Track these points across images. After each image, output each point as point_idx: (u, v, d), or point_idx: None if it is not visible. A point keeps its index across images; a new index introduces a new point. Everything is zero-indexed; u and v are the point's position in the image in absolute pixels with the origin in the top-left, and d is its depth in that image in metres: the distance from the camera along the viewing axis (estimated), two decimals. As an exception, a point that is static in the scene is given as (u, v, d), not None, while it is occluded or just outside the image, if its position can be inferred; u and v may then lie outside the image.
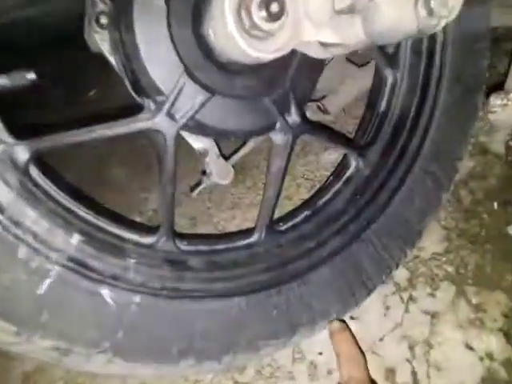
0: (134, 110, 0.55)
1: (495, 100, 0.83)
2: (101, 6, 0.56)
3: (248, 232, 0.69)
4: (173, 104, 0.52)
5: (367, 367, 0.62)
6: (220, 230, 1.02)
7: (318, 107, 0.90)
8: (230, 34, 0.41)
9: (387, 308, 0.74)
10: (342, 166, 0.74)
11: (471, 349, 0.64)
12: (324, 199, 0.73)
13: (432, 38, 0.69)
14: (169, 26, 0.50)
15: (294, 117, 0.60)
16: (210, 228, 1.03)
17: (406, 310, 0.72)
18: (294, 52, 0.47)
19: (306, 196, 1.00)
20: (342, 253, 0.69)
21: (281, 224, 0.71)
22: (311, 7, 0.44)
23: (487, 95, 0.82)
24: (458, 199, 0.84)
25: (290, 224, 0.72)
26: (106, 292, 0.55)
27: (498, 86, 0.86)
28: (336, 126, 1.03)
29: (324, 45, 0.47)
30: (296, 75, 0.58)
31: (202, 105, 0.53)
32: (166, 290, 0.59)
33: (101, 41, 0.57)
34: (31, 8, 0.65)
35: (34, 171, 0.52)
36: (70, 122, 0.54)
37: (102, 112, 0.56)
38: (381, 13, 0.41)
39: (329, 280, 0.68)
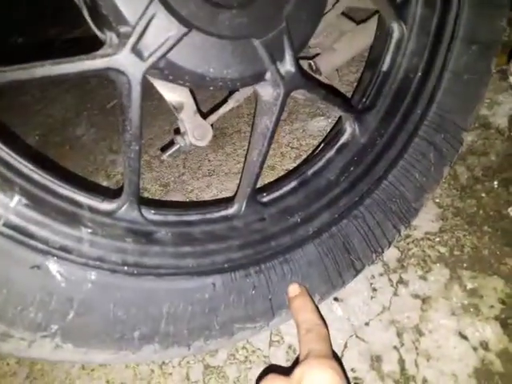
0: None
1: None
2: None
3: (226, 202, 0.61)
4: (140, 38, 0.42)
5: (330, 340, 0.55)
6: (194, 199, 0.93)
7: (310, 66, 0.80)
8: None
9: (374, 290, 0.68)
10: (336, 131, 0.65)
11: (464, 337, 0.59)
12: (313, 169, 0.65)
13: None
14: None
15: (287, 66, 0.50)
16: (183, 197, 0.95)
17: (395, 294, 0.67)
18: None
19: (291, 166, 0.92)
20: (331, 229, 0.62)
21: (264, 195, 0.63)
22: None
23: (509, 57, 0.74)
24: (455, 176, 0.78)
25: (274, 195, 0.63)
26: (53, 266, 0.46)
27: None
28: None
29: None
30: (293, 15, 0.48)
31: (177, 41, 0.43)
32: (127, 266, 0.50)
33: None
34: None
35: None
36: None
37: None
38: None
39: (314, 259, 0.61)
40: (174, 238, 0.55)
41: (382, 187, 0.63)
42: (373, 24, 0.75)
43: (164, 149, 0.69)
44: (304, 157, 0.91)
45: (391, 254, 0.71)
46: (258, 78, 0.50)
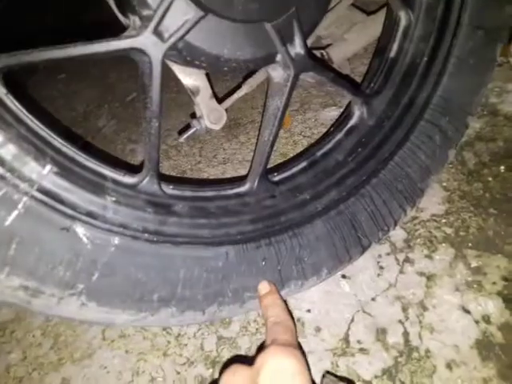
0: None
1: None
2: None
3: (239, 181, 0.64)
4: (160, 20, 0.46)
5: (296, 334, 0.55)
6: (210, 183, 0.98)
7: (322, 55, 0.83)
8: None
9: (381, 268, 0.70)
10: (345, 115, 0.68)
11: (467, 312, 0.61)
12: (323, 150, 0.68)
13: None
14: None
15: (297, 49, 0.53)
16: (200, 182, 0.99)
17: (401, 271, 0.69)
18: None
19: (303, 154, 0.95)
20: (339, 207, 0.65)
21: (275, 174, 0.66)
22: None
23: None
24: (462, 161, 0.80)
25: (285, 175, 0.67)
26: (80, 230, 0.50)
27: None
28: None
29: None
30: (302, 1, 0.51)
31: (194, 24, 0.47)
32: (147, 233, 0.54)
33: None
34: None
35: (1, 90, 0.46)
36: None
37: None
38: None
39: (322, 234, 0.64)
40: (191, 211, 0.59)
41: (389, 168, 0.66)
42: (382, 15, 0.78)
43: (181, 132, 0.73)
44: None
45: (398, 235, 0.73)
46: (269, 59, 0.54)
